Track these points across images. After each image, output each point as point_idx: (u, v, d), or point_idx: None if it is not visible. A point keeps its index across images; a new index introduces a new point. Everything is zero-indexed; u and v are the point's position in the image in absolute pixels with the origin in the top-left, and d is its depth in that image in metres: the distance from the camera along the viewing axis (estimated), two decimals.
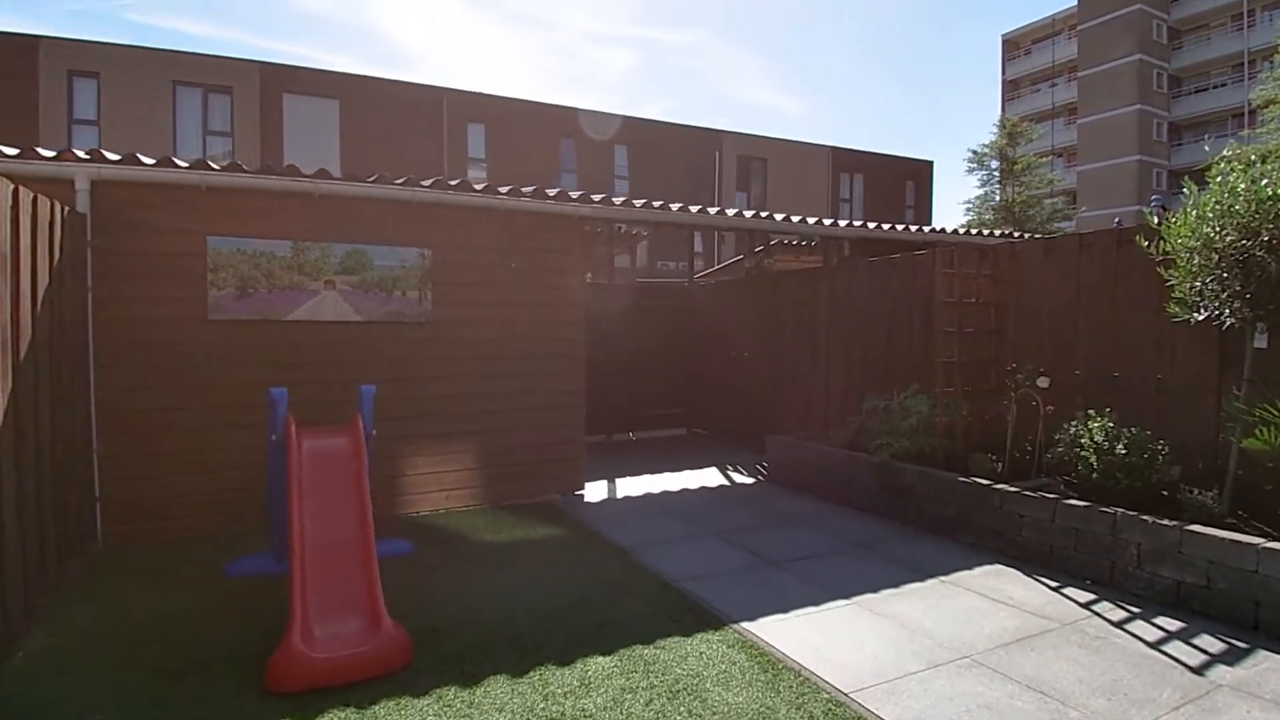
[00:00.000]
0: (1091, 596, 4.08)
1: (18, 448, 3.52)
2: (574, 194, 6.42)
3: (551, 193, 6.33)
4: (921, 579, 4.42)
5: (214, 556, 4.66)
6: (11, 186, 3.49)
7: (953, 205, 65.01)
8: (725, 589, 4.28)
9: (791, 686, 3.14)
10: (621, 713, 2.92)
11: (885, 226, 8.14)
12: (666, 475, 7.52)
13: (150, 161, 5.06)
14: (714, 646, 3.51)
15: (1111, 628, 3.69)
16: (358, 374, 5.66)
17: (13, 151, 4.67)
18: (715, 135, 27.20)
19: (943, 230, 8.47)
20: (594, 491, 6.80)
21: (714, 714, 2.91)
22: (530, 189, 6.30)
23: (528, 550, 5.05)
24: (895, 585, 4.31)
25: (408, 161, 21.32)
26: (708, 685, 3.13)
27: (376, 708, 2.95)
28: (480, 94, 25.23)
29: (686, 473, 7.67)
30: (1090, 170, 41.66)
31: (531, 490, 6.40)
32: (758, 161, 28.33)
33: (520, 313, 6.30)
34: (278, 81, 22.92)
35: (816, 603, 4.06)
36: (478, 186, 6.07)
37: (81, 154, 4.88)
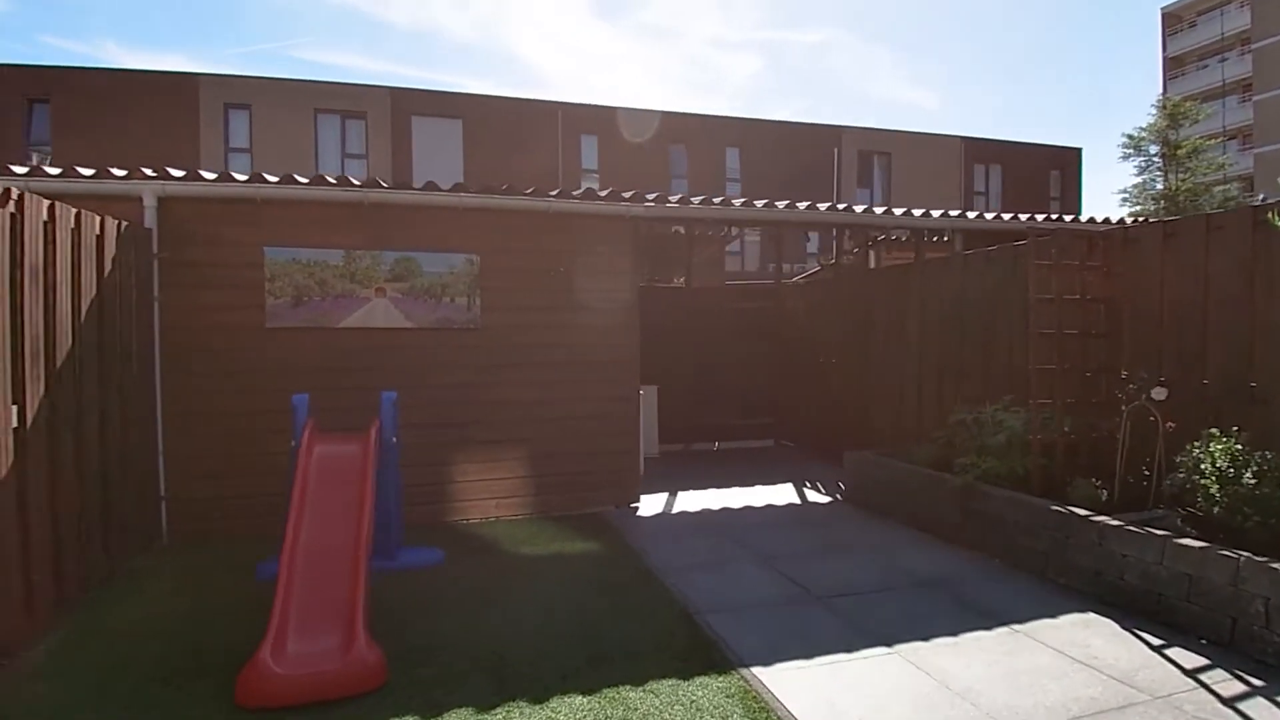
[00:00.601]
0: (1202, 661, 3.23)
1: (52, 446, 3.72)
2: (625, 193, 6.14)
3: (601, 192, 6.08)
4: (988, 626, 3.72)
5: (260, 557, 4.77)
6: (47, 204, 3.70)
7: (1105, 195, 58.55)
8: (750, 625, 3.81)
9: None
10: None
11: (988, 216, 7.22)
12: (734, 490, 7.03)
13: (211, 176, 5.32)
14: (711, 695, 3.07)
15: (1221, 706, 2.88)
16: (408, 380, 5.69)
17: (89, 172, 5.06)
18: (833, 131, 26.01)
19: (1058, 219, 7.40)
20: (650, 505, 6.46)
21: None
22: (580, 190, 6.09)
23: (556, 566, 4.80)
24: (952, 633, 3.65)
25: (524, 174, 22.03)
26: None
27: None
28: (592, 106, 25.62)
29: (758, 488, 7.14)
30: (1270, 153, 35.94)
31: (583, 501, 6.16)
32: (881, 156, 26.81)
33: (569, 317, 6.10)
34: (406, 105, 24.43)
35: (850, 648, 3.50)
36: (525, 189, 5.93)
37: (149, 172, 5.20)
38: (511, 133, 24.53)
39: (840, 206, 6.96)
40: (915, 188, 25.33)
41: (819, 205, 6.75)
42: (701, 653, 3.47)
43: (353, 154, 24.02)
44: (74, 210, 3.98)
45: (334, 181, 5.54)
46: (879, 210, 6.87)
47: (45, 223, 3.67)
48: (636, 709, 2.95)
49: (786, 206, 6.62)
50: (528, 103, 25.18)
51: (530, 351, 6.01)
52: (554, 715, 2.92)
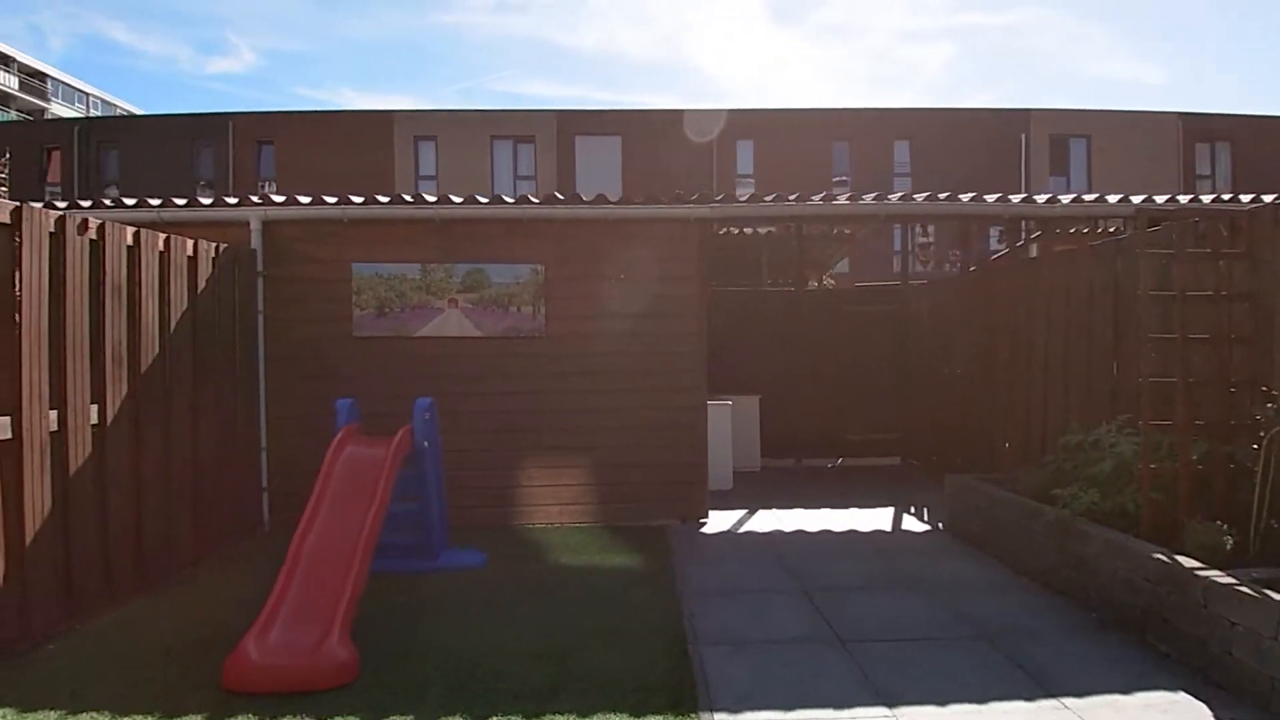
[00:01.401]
0: None
1: (134, 440, 4.30)
2: (689, 196, 5.91)
3: (664, 196, 5.90)
4: (1030, 696, 3.02)
5: None
6: (132, 230, 4.30)
7: None
8: (745, 663, 3.43)
9: None
10: None
11: (1160, 199, 5.99)
12: (822, 512, 6.47)
13: (305, 200, 5.90)
14: None
15: None
16: (478, 386, 5.93)
17: (207, 201, 5.85)
18: (1019, 115, 23.38)
19: (1218, 199, 5.96)
20: (721, 521, 6.13)
21: None
22: (643, 195, 5.96)
23: (584, 579, 4.68)
24: (980, 699, 3.01)
25: (677, 183, 22.24)
26: None
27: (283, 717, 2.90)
28: (748, 110, 25.30)
29: (853, 511, 6.51)
30: None
31: (646, 513, 5.99)
32: (1077, 140, 23.64)
33: (631, 325, 5.98)
34: (571, 126, 25.69)
35: (843, 704, 3.02)
36: (586, 197, 5.91)
37: (254, 199, 5.88)
38: (668, 144, 24.87)
39: (966, 198, 6.12)
40: (1122, 172, 21.95)
41: (890, 196, 6.02)
42: (672, 689, 3.17)
43: (523, 175, 25.69)
44: (162, 235, 4.59)
45: (410, 200, 5.90)
46: (991, 198, 5.95)
47: (129, 247, 4.27)
48: None
49: (875, 199, 5.98)
50: (682, 113, 25.41)
51: (593, 360, 5.98)
52: None
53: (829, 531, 5.86)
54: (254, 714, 2.96)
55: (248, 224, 5.80)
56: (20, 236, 3.43)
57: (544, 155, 25.59)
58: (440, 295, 6.01)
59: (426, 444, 4.66)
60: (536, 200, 5.89)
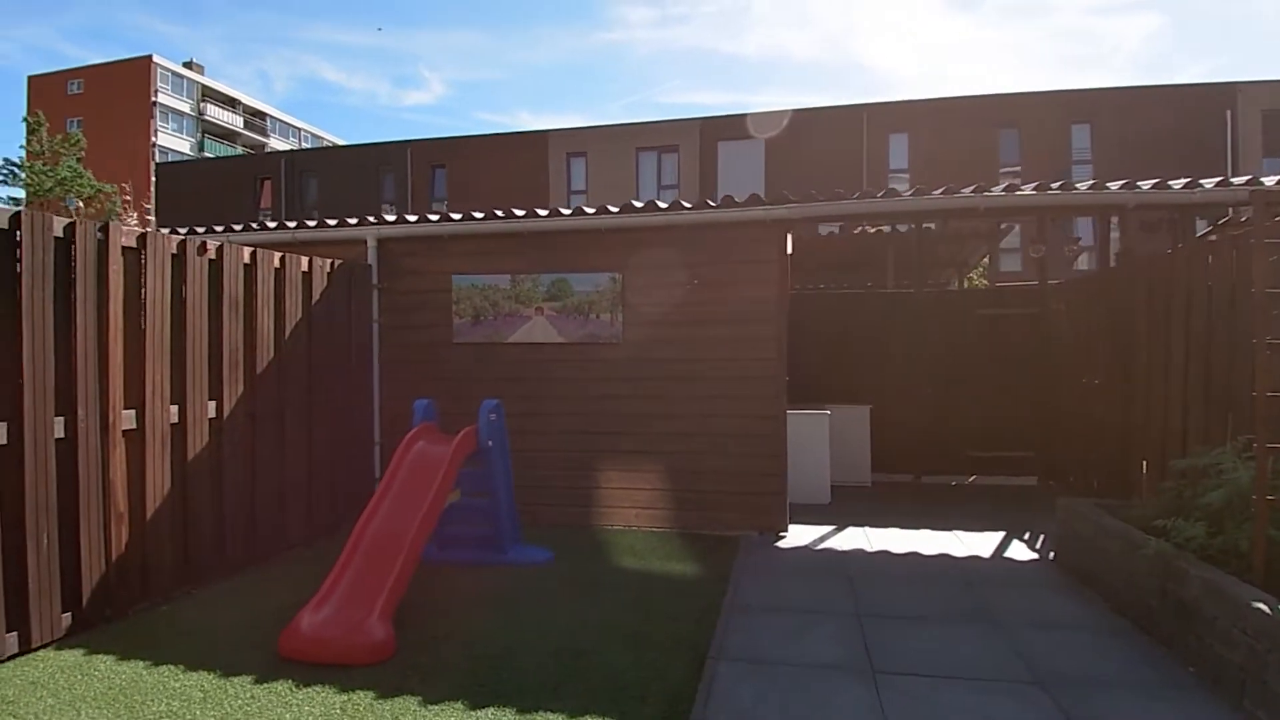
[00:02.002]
0: None
1: (252, 434, 4.96)
2: (765, 198, 5.75)
3: (740, 199, 5.79)
4: None
5: None
6: (249, 250, 4.97)
7: None
8: (760, 685, 3.30)
9: None
10: None
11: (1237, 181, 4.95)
12: (923, 533, 5.99)
13: (412, 219, 6.47)
14: None
15: None
16: (561, 390, 6.19)
17: (333, 222, 6.57)
18: (1224, 90, 20.15)
19: None
20: (801, 536, 5.88)
21: None
22: (718, 199, 5.89)
23: (637, 583, 4.71)
24: None
25: (822, 182, 21.57)
26: None
27: (318, 685, 3.22)
28: (901, 102, 24.00)
29: (956, 533, 5.98)
30: None
31: (721, 522, 5.89)
32: None
33: (706, 331, 5.92)
34: (714, 132, 25.80)
35: None
36: (661, 204, 5.95)
37: (370, 219, 6.54)
38: (812, 143, 24.16)
39: (1084, 186, 5.46)
40: None
41: (1026, 187, 5.42)
42: (670, 699, 3.14)
43: (667, 184, 26.14)
44: (278, 254, 5.26)
45: (500, 215, 6.27)
46: (1115, 185, 5.20)
47: (246, 265, 4.94)
48: None
49: (973, 191, 5.46)
50: (828, 110, 24.53)
51: (668, 366, 5.99)
52: (472, 715, 2.96)
53: (916, 554, 5.42)
54: (291, 679, 3.33)
55: (365, 241, 6.47)
56: (145, 259, 4.11)
57: (687, 163, 25.87)
58: (528, 304, 6.32)
59: (491, 443, 4.93)
60: (615, 209, 6.02)
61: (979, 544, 5.68)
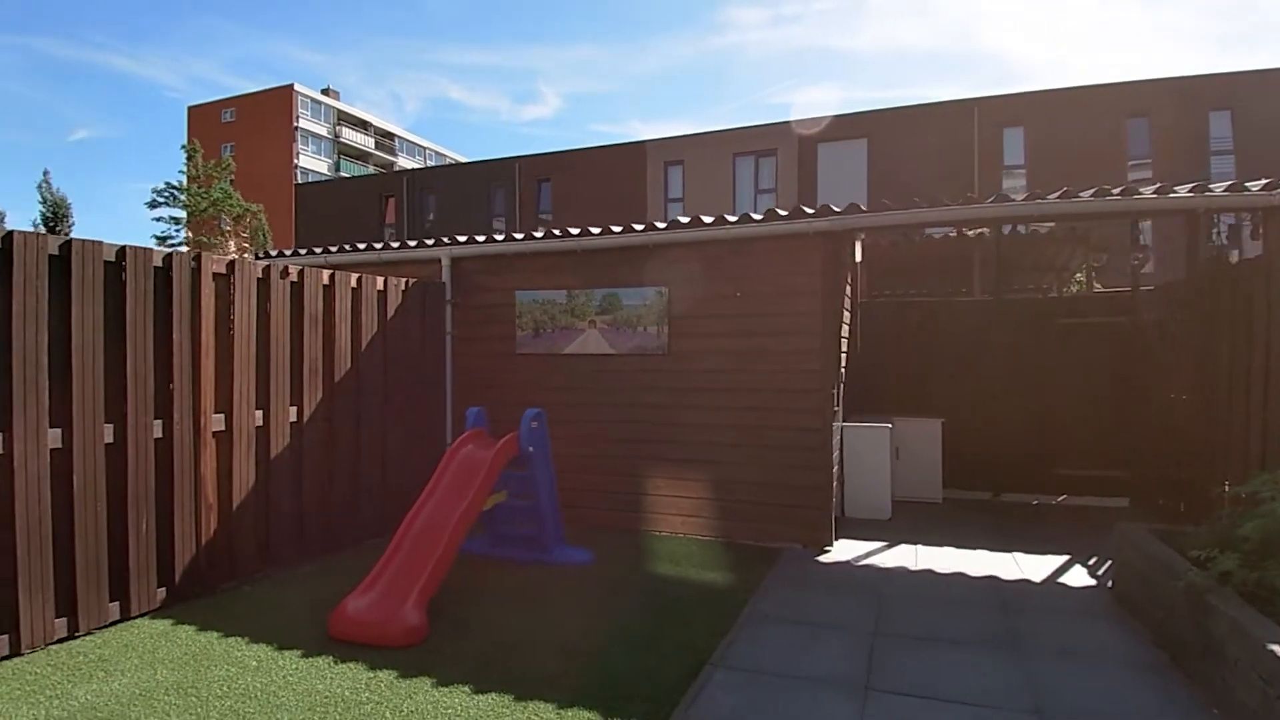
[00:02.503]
0: None
1: (331, 435, 5.57)
2: (808, 209, 5.76)
3: (782, 211, 5.84)
4: None
5: None
6: (327, 273, 5.59)
7: None
8: (749, 693, 3.41)
9: None
10: None
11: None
12: (979, 553, 5.78)
13: (481, 239, 6.96)
14: None
15: None
16: (612, 398, 6.48)
17: (414, 243, 7.19)
18: None
19: None
20: (849, 550, 5.84)
21: None
22: (761, 213, 5.96)
23: (665, 589, 4.89)
24: None
25: (928, 181, 20.75)
26: None
27: (353, 662, 3.66)
28: (1016, 95, 22.64)
29: (1015, 555, 5.73)
30: None
31: (766, 533, 5.95)
32: None
33: (750, 343, 6.00)
34: (813, 134, 25.33)
35: None
36: (706, 219, 6.10)
37: (445, 240, 7.09)
38: (919, 141, 23.25)
39: (1149, 191, 5.12)
40: None
41: (1084, 193, 5.13)
42: (656, 701, 3.31)
43: (764, 189, 25.97)
44: (354, 275, 5.86)
45: (558, 234, 6.64)
46: (1185, 189, 4.82)
47: (325, 285, 5.56)
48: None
49: (1026, 199, 5.23)
50: (937, 106, 23.49)
51: (712, 377, 6.12)
52: (473, 700, 3.27)
53: (962, 575, 5.25)
54: (333, 655, 3.78)
55: (441, 261, 7.04)
56: (234, 282, 4.75)
57: (785, 167, 25.56)
58: (582, 317, 6.65)
59: (532, 449, 5.26)
60: (661, 226, 6.23)
61: (1035, 567, 5.42)
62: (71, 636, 3.89)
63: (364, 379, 5.94)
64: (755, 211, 6.19)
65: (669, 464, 6.30)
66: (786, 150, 25.68)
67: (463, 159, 54.74)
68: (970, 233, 8.55)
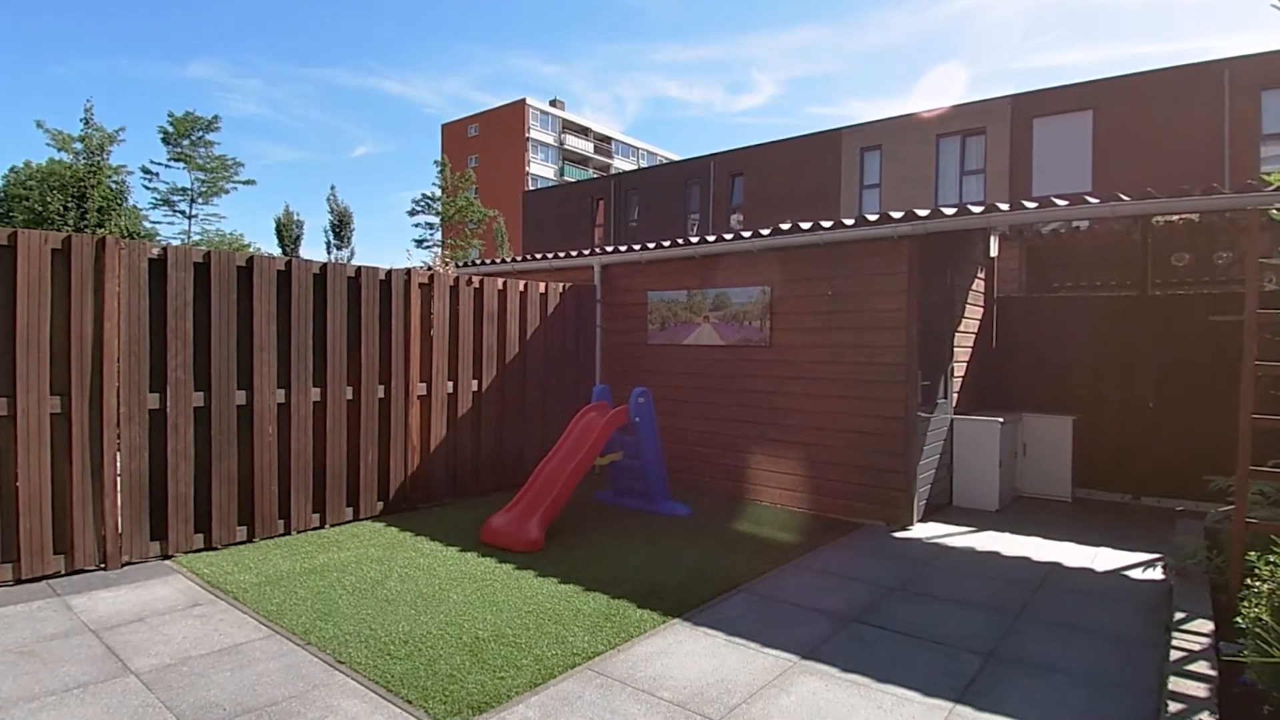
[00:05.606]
0: None
1: (502, 403, 7.36)
2: (895, 214, 6.33)
3: (872, 217, 6.48)
4: None
5: (602, 487, 7.54)
6: (501, 280, 7.35)
7: None
8: (745, 608, 4.42)
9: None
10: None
11: None
12: (1064, 545, 5.96)
13: (623, 249, 8.39)
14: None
15: None
16: (722, 384, 7.60)
17: (575, 253, 8.82)
18: None
19: None
20: (929, 531, 6.36)
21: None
22: (852, 219, 6.64)
23: (737, 541, 5.92)
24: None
25: (1166, 161, 18.56)
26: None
27: (490, 557, 5.26)
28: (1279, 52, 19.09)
29: (1101, 549, 5.88)
30: None
31: (853, 510, 6.67)
32: None
33: (841, 338, 6.72)
34: (1027, 109, 23.69)
35: (765, 645, 3.87)
36: (804, 225, 6.90)
37: (596, 250, 8.62)
38: (1154, 111, 20.59)
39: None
40: None
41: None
42: (683, 604, 4.45)
43: (970, 170, 24.57)
44: (522, 280, 7.58)
45: (680, 242, 7.85)
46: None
47: (499, 290, 7.32)
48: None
49: (1135, 199, 5.38)
50: (1178, 70, 20.53)
51: (807, 368, 6.94)
52: (559, 587, 4.67)
53: (1025, 559, 5.58)
54: (477, 552, 5.43)
55: (593, 268, 8.60)
56: (434, 290, 6.63)
57: (995, 147, 23.95)
58: (698, 313, 7.79)
59: (638, 420, 6.56)
60: (765, 232, 7.15)
61: (1113, 561, 5.59)
62: (320, 527, 5.98)
63: (529, 361, 7.66)
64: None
65: (769, 442, 7.24)
66: (998, 128, 24.06)
67: (675, 157, 57.42)
68: (1162, 220, 8.14)
